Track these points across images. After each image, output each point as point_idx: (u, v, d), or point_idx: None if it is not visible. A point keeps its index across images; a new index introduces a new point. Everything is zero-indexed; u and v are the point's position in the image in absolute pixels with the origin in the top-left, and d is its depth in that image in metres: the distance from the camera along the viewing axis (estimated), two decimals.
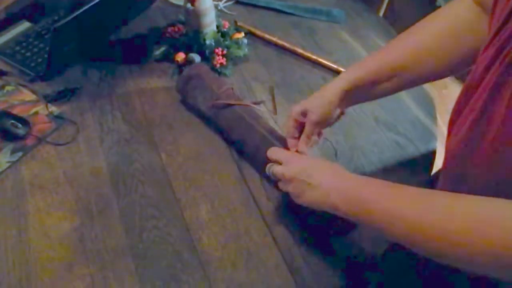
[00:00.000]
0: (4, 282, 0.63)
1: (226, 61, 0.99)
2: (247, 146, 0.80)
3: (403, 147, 0.88)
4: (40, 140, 0.82)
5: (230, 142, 0.84)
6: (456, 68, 0.68)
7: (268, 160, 0.71)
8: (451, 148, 0.59)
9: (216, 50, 0.99)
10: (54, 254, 0.67)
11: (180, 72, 0.97)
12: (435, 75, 0.70)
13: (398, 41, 0.71)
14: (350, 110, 0.93)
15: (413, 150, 0.88)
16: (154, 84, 0.95)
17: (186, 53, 0.99)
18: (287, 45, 1.07)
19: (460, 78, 2.44)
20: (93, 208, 0.73)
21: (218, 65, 0.98)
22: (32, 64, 0.95)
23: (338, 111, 0.72)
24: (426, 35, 0.68)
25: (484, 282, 0.54)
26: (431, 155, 0.88)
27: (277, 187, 0.70)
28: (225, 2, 1.18)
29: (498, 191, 0.47)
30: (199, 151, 0.83)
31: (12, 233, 0.69)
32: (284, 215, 0.75)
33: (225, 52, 1.00)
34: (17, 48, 0.98)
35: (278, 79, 1.00)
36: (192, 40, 1.00)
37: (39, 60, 0.96)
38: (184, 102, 0.90)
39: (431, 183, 0.80)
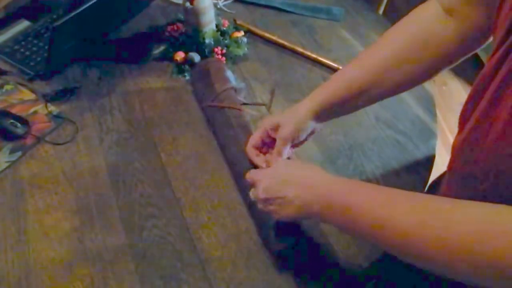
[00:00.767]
0: (4, 282, 0.63)
1: (226, 60, 0.99)
2: (226, 154, 0.81)
3: (403, 145, 0.88)
4: (39, 140, 0.82)
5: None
6: (425, 76, 0.68)
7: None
8: (457, 147, 0.59)
9: (216, 49, 0.99)
10: (53, 254, 0.67)
11: (180, 71, 0.96)
12: (405, 86, 0.70)
13: (365, 56, 0.70)
14: None
15: (413, 147, 0.88)
16: (153, 83, 0.95)
17: (186, 52, 0.99)
18: (287, 43, 1.06)
19: (461, 76, 2.43)
20: (92, 208, 0.73)
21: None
22: (31, 63, 0.95)
23: (310, 129, 0.71)
24: (393, 49, 0.67)
25: None
26: (431, 152, 0.88)
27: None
28: (225, 0, 1.18)
29: (503, 189, 0.47)
30: (198, 150, 0.83)
31: (12, 233, 0.69)
32: None
33: (224, 51, 1.00)
34: (16, 47, 0.98)
35: (278, 78, 0.99)
36: (191, 39, 1.00)
37: (38, 59, 0.96)
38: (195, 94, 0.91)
39: (435, 185, 0.80)
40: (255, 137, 0.74)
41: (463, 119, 0.57)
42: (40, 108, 0.87)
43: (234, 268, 0.68)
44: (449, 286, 0.66)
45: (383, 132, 0.90)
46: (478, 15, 0.61)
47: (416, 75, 0.67)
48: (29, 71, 0.93)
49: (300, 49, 1.05)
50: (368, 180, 0.82)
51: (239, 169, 0.75)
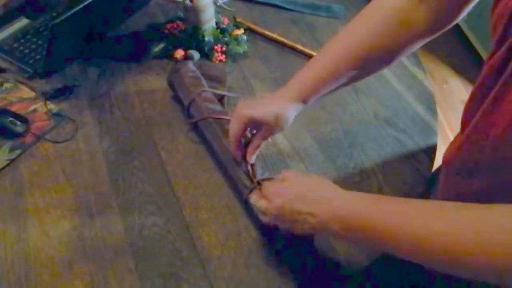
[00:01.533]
0: (4, 281, 0.63)
1: (226, 57, 0.99)
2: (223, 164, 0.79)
3: (403, 143, 0.88)
4: (38, 138, 0.81)
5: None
6: (395, 57, 0.68)
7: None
8: (458, 145, 0.59)
9: (215, 47, 0.99)
10: (53, 252, 0.67)
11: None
12: (381, 65, 0.70)
13: (337, 43, 0.69)
14: (349, 107, 0.93)
15: (413, 146, 0.88)
16: (153, 81, 0.95)
17: (185, 50, 0.98)
18: (287, 41, 1.06)
19: (461, 74, 2.43)
20: (92, 206, 0.73)
21: (217, 62, 0.98)
22: (31, 61, 0.94)
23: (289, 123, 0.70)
24: (362, 35, 0.67)
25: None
26: (432, 150, 0.88)
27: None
28: None
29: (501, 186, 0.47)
30: (198, 148, 0.83)
31: (11, 231, 0.69)
32: None
33: (224, 48, 0.99)
34: (16, 45, 0.98)
35: (277, 76, 0.99)
36: (191, 36, 1.00)
37: (38, 57, 0.95)
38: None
39: (433, 180, 0.80)
40: (237, 134, 0.68)
41: (466, 119, 0.57)
42: (39, 106, 0.87)
43: (234, 267, 0.68)
44: (449, 285, 0.66)
45: (383, 130, 0.90)
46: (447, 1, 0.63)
47: (387, 58, 0.68)
48: (28, 69, 0.93)
49: (300, 47, 1.05)
50: (368, 178, 0.81)
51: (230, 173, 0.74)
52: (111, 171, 0.78)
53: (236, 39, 1.02)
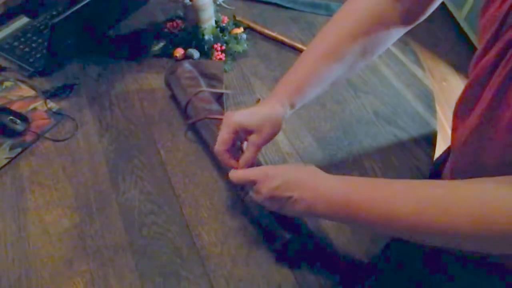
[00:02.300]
0: (4, 279, 0.64)
1: (225, 56, 0.99)
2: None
3: (403, 141, 0.88)
4: (38, 136, 0.82)
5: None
6: (375, 52, 0.72)
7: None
8: (458, 143, 0.59)
9: (215, 46, 0.99)
10: (53, 250, 0.67)
11: None
12: (362, 62, 0.73)
13: (328, 33, 0.71)
14: (349, 105, 0.93)
15: (412, 144, 0.88)
16: (153, 80, 0.95)
17: (185, 49, 0.98)
18: (286, 40, 1.06)
19: (460, 72, 2.43)
20: (92, 204, 0.73)
21: (215, 60, 0.98)
22: (31, 60, 0.95)
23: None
24: (339, 36, 0.69)
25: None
26: (431, 148, 0.88)
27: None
28: None
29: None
30: (198, 147, 0.83)
31: (12, 229, 0.69)
32: None
33: (224, 47, 1.00)
34: (16, 43, 0.98)
35: (277, 74, 0.99)
36: (190, 35, 1.00)
37: (38, 55, 0.96)
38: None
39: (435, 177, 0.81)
40: (226, 141, 0.66)
41: (461, 114, 0.57)
42: (39, 104, 0.87)
43: (234, 265, 0.68)
44: (447, 280, 0.67)
45: (383, 128, 0.90)
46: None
47: (370, 48, 0.70)
48: (28, 68, 0.93)
49: (299, 45, 1.05)
50: (367, 176, 0.81)
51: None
52: (111, 170, 0.78)
53: (236, 37, 1.02)
